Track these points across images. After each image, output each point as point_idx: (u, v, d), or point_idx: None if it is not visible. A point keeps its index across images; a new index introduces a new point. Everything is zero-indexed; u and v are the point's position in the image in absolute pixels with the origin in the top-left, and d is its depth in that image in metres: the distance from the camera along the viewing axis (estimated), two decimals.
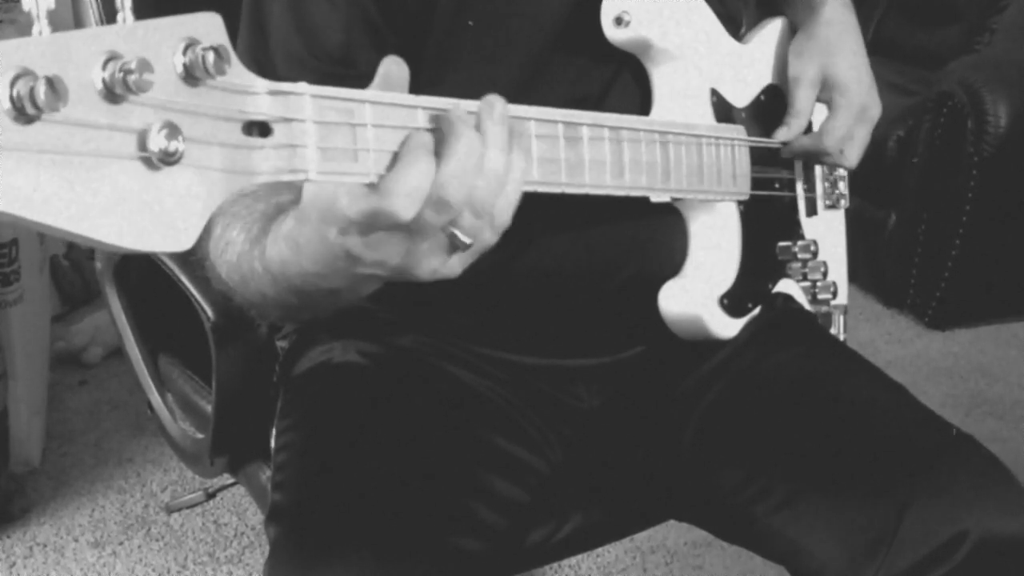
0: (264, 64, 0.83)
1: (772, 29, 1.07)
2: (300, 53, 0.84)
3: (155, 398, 1.27)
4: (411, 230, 0.62)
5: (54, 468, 1.99)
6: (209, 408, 1.12)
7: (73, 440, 2.08)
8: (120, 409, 2.18)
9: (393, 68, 0.63)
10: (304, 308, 0.76)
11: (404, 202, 0.60)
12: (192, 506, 1.74)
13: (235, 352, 1.07)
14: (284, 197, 0.75)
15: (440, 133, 0.63)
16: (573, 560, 1.75)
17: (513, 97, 0.69)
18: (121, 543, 1.80)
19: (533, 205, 0.70)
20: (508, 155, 0.65)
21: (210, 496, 1.42)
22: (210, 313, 1.04)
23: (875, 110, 1.06)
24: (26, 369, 1.90)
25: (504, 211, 0.66)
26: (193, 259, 0.83)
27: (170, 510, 1.84)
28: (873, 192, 2.54)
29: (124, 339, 1.28)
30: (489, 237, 0.66)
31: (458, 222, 0.64)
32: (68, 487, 1.94)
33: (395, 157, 0.62)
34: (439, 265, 0.66)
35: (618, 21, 0.90)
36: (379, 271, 0.65)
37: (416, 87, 0.65)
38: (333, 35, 0.84)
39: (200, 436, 1.20)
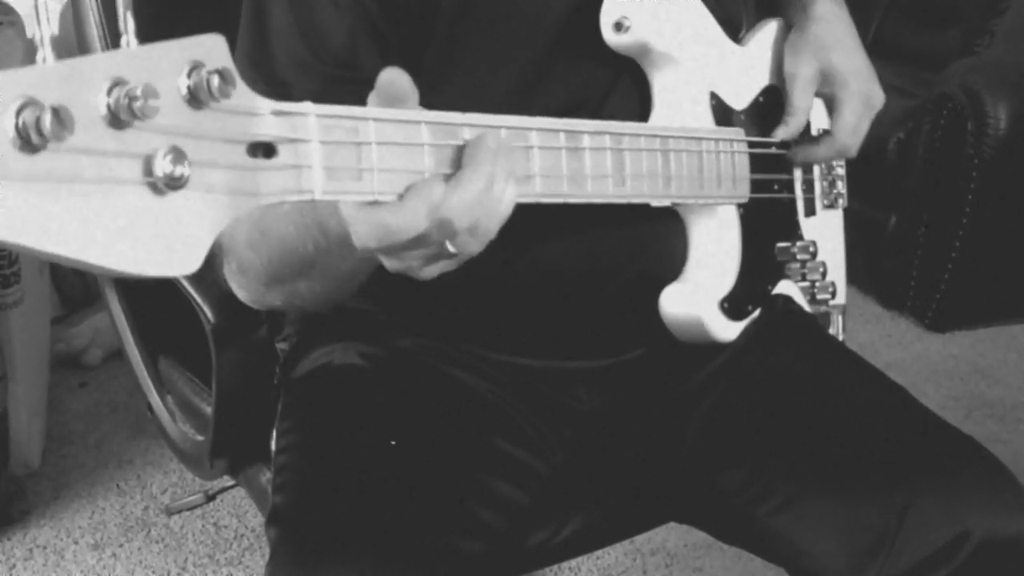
0: (263, 66, 0.83)
1: (769, 30, 1.07)
2: (303, 55, 0.84)
3: (155, 400, 1.27)
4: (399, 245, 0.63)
5: (54, 470, 1.99)
6: (209, 410, 1.13)
7: (73, 442, 2.08)
8: (120, 411, 2.18)
9: (397, 78, 0.62)
10: (318, 262, 0.76)
11: (370, 239, 0.62)
12: (192, 508, 1.74)
13: (235, 354, 1.07)
14: None
15: (462, 157, 0.64)
16: (573, 562, 1.75)
17: (513, 102, 0.70)
18: (121, 545, 1.80)
19: (534, 209, 0.70)
20: (508, 184, 0.66)
21: (210, 498, 1.42)
22: (210, 315, 1.04)
23: (878, 97, 1.05)
24: (26, 371, 1.90)
25: (495, 229, 0.67)
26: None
27: (170, 512, 1.84)
28: (873, 194, 2.54)
29: (124, 341, 1.28)
30: (475, 249, 0.67)
31: (453, 240, 0.65)
32: (68, 489, 1.94)
33: (409, 180, 0.63)
34: (408, 266, 0.67)
35: (618, 26, 0.90)
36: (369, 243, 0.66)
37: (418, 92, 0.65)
38: (337, 37, 0.84)
39: (200, 438, 1.20)
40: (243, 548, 1.79)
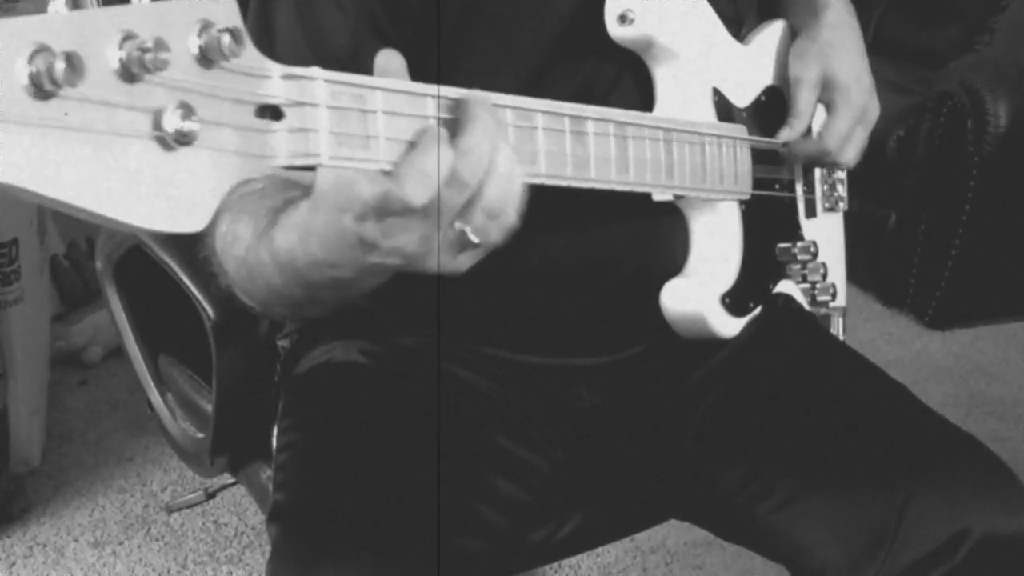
0: None
1: (773, 31, 1.07)
2: (307, 57, 0.84)
3: (155, 397, 1.27)
4: (427, 216, 0.63)
5: (54, 468, 1.99)
6: (209, 407, 1.12)
7: (73, 440, 2.08)
8: (120, 409, 2.18)
9: (391, 61, 0.63)
10: (309, 301, 0.76)
11: (417, 187, 0.61)
12: (192, 506, 1.74)
13: (235, 351, 1.07)
14: (293, 192, 0.75)
15: (458, 117, 0.64)
16: (573, 560, 1.75)
17: None
18: (121, 543, 1.80)
19: (535, 203, 0.70)
20: (509, 157, 0.66)
21: (210, 496, 1.42)
22: (211, 312, 1.04)
23: (874, 111, 1.06)
24: (26, 369, 1.90)
25: (512, 212, 0.66)
26: (201, 256, 0.83)
27: (170, 510, 1.84)
28: (873, 192, 2.54)
29: (124, 339, 1.28)
30: (496, 236, 0.67)
31: (470, 220, 0.64)
32: (68, 487, 1.94)
33: (408, 145, 0.62)
34: (448, 260, 0.66)
35: (622, 19, 0.91)
36: (393, 259, 0.66)
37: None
38: (340, 39, 0.84)
39: (200, 436, 1.20)
40: (243, 546, 1.79)
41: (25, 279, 1.88)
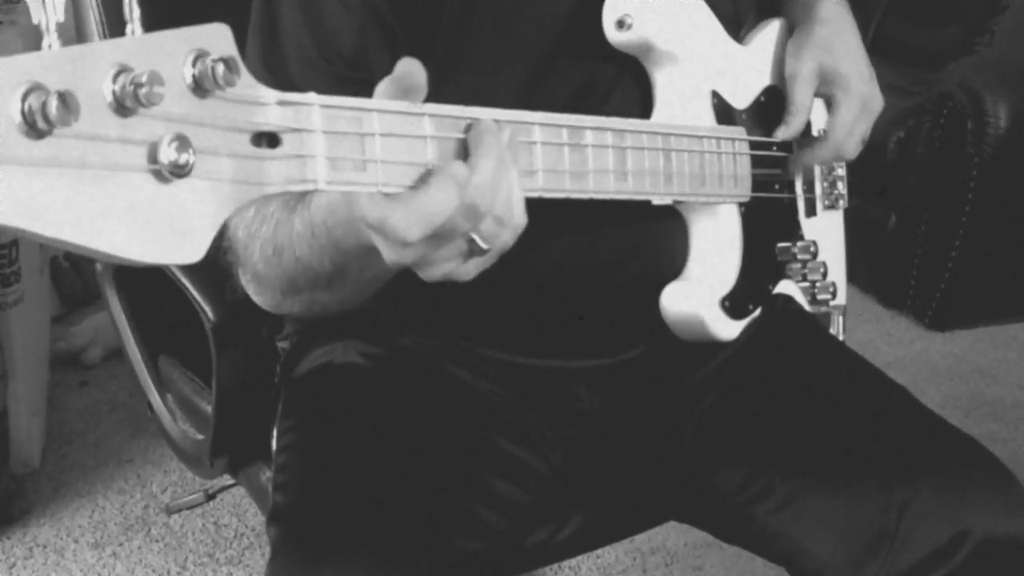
0: (276, 68, 0.83)
1: (771, 30, 1.07)
2: (313, 56, 0.84)
3: (155, 399, 1.27)
4: (435, 235, 0.64)
5: (54, 469, 1.99)
6: (209, 409, 1.13)
7: (73, 441, 2.08)
8: (120, 410, 2.18)
9: (415, 70, 0.63)
10: (336, 276, 0.77)
11: (414, 227, 0.62)
12: (192, 507, 1.74)
13: (235, 353, 1.07)
14: None
15: (468, 145, 0.66)
16: (573, 561, 1.75)
17: (517, 99, 0.70)
18: (121, 544, 1.80)
19: (536, 207, 0.71)
20: (513, 168, 0.68)
21: (210, 497, 1.42)
22: (210, 314, 1.05)
23: (877, 102, 1.06)
24: (26, 370, 1.90)
25: (520, 216, 0.68)
26: (224, 246, 0.84)
27: (170, 511, 1.83)
28: (873, 193, 2.54)
29: (124, 340, 1.28)
30: (507, 238, 0.68)
31: (479, 229, 0.65)
32: (68, 488, 1.94)
33: (408, 168, 0.63)
34: (452, 269, 0.68)
35: (620, 24, 0.91)
36: (396, 264, 0.67)
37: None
38: (346, 38, 0.84)
39: (200, 437, 1.20)
40: (243, 547, 1.79)
41: (25, 280, 1.88)
